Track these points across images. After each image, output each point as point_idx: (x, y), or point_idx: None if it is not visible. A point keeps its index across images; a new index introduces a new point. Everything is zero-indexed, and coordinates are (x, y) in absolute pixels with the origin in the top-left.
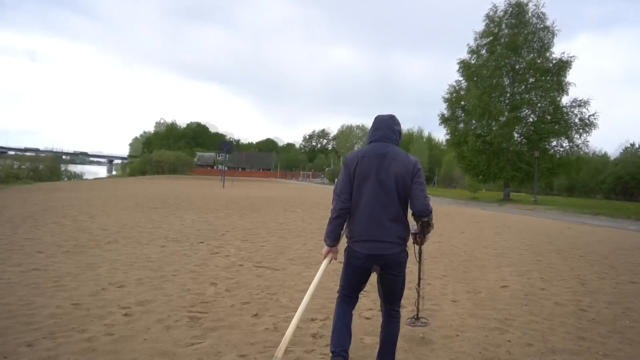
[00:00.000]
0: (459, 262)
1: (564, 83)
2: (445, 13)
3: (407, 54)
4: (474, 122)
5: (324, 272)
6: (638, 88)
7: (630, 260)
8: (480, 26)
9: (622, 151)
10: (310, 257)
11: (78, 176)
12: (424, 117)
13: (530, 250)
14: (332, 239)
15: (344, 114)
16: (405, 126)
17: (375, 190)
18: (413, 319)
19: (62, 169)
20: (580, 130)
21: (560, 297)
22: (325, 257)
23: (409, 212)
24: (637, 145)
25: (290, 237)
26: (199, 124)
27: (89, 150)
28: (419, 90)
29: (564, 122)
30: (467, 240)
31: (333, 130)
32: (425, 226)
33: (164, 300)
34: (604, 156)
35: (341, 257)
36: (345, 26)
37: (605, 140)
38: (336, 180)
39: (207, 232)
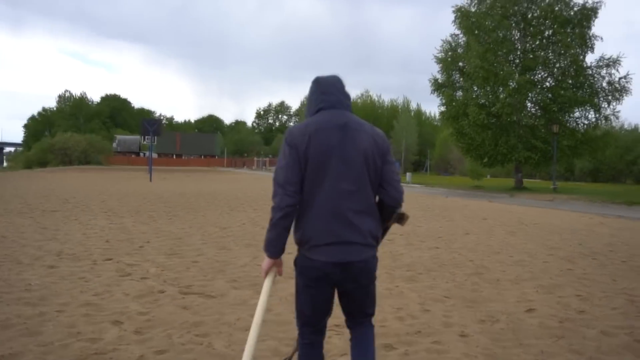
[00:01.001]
0: (465, 276)
1: (588, 36)
2: None
3: (385, 3)
4: (475, 88)
5: (269, 295)
6: None
7: None
8: None
9: None
10: (262, 276)
11: None
12: (411, 86)
13: (557, 256)
14: (278, 248)
15: (306, 82)
16: (387, 96)
17: (340, 174)
18: None
19: None
20: (609, 97)
21: (607, 322)
22: (266, 274)
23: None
24: None
25: (235, 247)
26: (117, 98)
27: None
28: (402, 51)
29: (588, 86)
30: (473, 245)
31: (294, 103)
32: (399, 220)
33: (36, 353)
34: (635, 131)
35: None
36: None
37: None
38: (276, 167)
39: (120, 243)
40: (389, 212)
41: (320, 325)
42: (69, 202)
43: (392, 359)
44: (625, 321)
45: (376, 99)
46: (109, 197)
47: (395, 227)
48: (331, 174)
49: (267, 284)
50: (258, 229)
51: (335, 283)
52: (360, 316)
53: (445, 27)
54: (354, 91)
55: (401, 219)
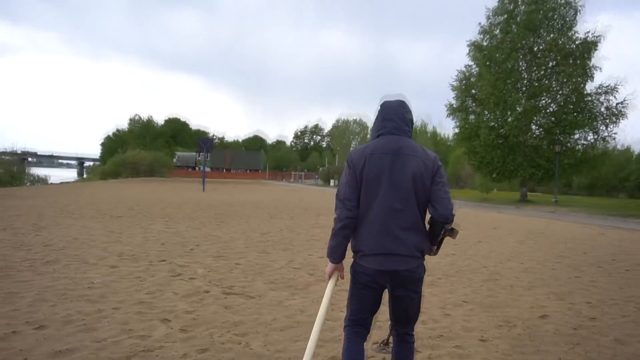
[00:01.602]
0: (480, 281)
1: (588, 67)
2: None
3: (407, 38)
4: (486, 112)
5: (332, 296)
6: None
7: None
8: (494, 2)
9: None
10: (296, 278)
11: (42, 180)
12: (428, 110)
13: (564, 264)
14: (339, 254)
15: (338, 106)
16: None
17: (389, 194)
18: (382, 344)
19: (28, 172)
20: (607, 121)
21: (619, 330)
22: (330, 277)
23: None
24: None
25: (273, 251)
26: (178, 120)
27: (58, 152)
28: (421, 80)
29: (588, 111)
30: (486, 252)
31: (327, 124)
32: (450, 235)
33: (91, 349)
34: (627, 151)
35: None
36: (337, 6)
37: (626, 133)
38: (339, 183)
39: (174, 246)
40: (439, 228)
41: (365, 321)
42: (134, 209)
43: (376, 335)
44: (638, 329)
45: None
46: (167, 205)
47: None
48: (382, 193)
49: (330, 286)
50: (293, 234)
51: (385, 288)
52: (404, 321)
53: (457, 60)
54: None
55: (452, 233)
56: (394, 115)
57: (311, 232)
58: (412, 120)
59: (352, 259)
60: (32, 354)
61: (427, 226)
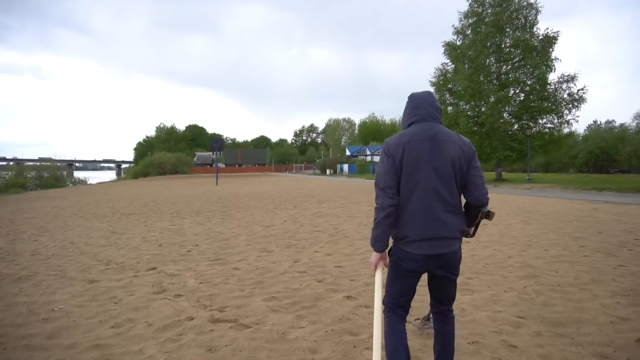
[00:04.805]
0: (518, 280)
1: (550, 60)
2: (412, 14)
3: (379, 52)
4: (462, 103)
5: (382, 287)
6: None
7: None
8: (465, 6)
9: (586, 128)
10: (303, 288)
11: (82, 182)
12: (400, 109)
13: (590, 248)
14: (384, 242)
15: (327, 110)
16: (387, 117)
17: (431, 179)
18: (424, 320)
19: (74, 176)
20: (570, 106)
21: None
22: (376, 267)
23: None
24: (599, 122)
25: (276, 248)
26: (197, 126)
27: (101, 157)
28: (393, 84)
29: (552, 98)
30: (498, 237)
31: (321, 125)
32: (487, 217)
33: None
34: (573, 134)
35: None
36: (321, 28)
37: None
38: (377, 173)
39: (170, 248)
40: (476, 211)
41: (406, 303)
42: (147, 205)
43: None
44: None
45: (379, 119)
46: (179, 200)
47: None
48: (423, 179)
49: (378, 277)
50: (297, 226)
51: (427, 271)
52: (446, 300)
53: (423, 68)
54: (361, 115)
55: (488, 215)
56: (425, 103)
57: (314, 222)
58: (440, 108)
59: (393, 246)
60: None
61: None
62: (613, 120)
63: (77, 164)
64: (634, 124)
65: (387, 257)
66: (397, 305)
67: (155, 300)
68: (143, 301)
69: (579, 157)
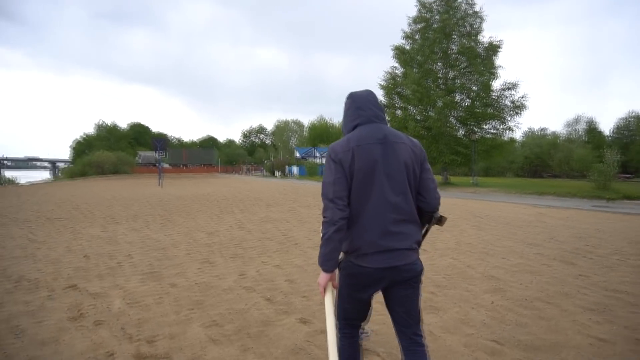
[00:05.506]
0: (484, 294)
1: (493, 67)
2: (359, 17)
3: (328, 54)
4: (411, 107)
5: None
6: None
7: None
8: (413, 12)
9: (522, 135)
10: (249, 309)
11: (11, 182)
12: None
13: (547, 256)
14: (335, 261)
15: (275, 111)
16: (336, 119)
17: (384, 186)
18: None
19: (2, 175)
20: (512, 112)
21: None
22: (325, 290)
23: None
24: (533, 129)
25: (220, 259)
26: (140, 124)
27: (34, 156)
28: (341, 87)
29: (496, 104)
30: (453, 244)
31: (270, 126)
32: (438, 223)
33: None
34: (515, 140)
35: None
36: (268, 28)
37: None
38: (323, 183)
39: (98, 260)
40: (428, 217)
41: (359, 322)
42: (79, 208)
43: None
44: None
45: (328, 121)
46: (116, 202)
47: None
48: (376, 186)
49: (328, 301)
50: (243, 232)
51: (384, 287)
52: (411, 321)
53: (369, 71)
54: (309, 117)
55: (440, 221)
56: (369, 103)
57: (262, 227)
58: (383, 108)
59: (344, 260)
60: None
61: None
62: (546, 128)
63: (7, 162)
64: (565, 131)
65: (336, 277)
66: (351, 325)
67: (69, 330)
68: (53, 331)
69: (516, 162)
